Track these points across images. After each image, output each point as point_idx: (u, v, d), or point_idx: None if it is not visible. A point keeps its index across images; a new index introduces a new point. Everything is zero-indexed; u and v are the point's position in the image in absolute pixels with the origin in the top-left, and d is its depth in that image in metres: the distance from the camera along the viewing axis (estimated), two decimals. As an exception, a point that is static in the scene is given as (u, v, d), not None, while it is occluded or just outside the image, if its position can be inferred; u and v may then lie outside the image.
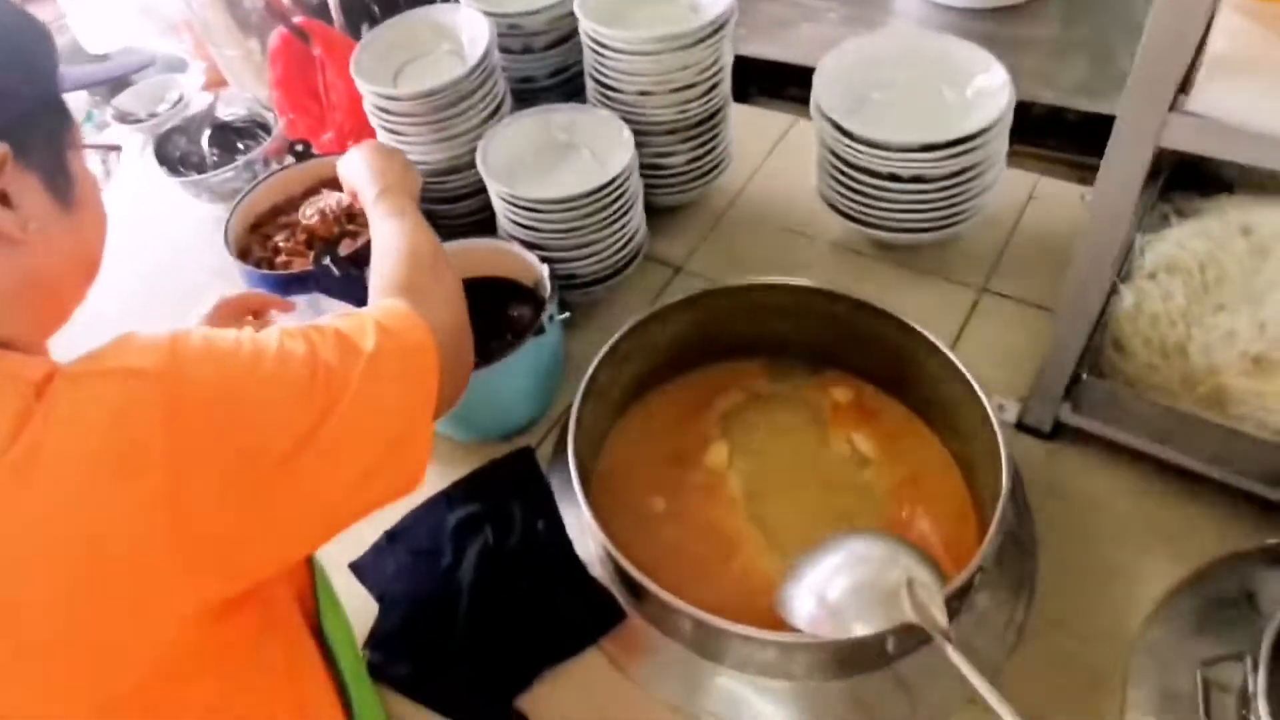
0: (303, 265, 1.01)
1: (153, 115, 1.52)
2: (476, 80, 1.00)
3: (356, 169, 0.89)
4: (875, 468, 0.91)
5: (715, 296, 0.94)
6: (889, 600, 0.69)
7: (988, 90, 0.99)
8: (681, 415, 0.98)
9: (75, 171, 0.57)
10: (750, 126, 1.24)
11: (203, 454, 0.48)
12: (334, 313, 0.64)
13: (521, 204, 0.96)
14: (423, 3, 1.14)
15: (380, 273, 0.73)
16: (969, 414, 0.82)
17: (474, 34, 1.04)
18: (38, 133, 0.53)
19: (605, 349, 0.89)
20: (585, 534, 0.87)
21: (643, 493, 0.92)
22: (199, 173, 1.33)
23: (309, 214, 1.05)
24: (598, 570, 0.85)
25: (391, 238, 0.77)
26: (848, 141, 0.98)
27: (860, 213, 1.04)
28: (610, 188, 0.95)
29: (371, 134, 1.19)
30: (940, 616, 0.67)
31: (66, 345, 0.56)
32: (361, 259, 0.97)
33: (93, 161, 0.62)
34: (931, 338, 0.85)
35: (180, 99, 1.54)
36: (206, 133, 1.35)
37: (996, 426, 0.77)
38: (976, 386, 0.80)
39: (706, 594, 0.80)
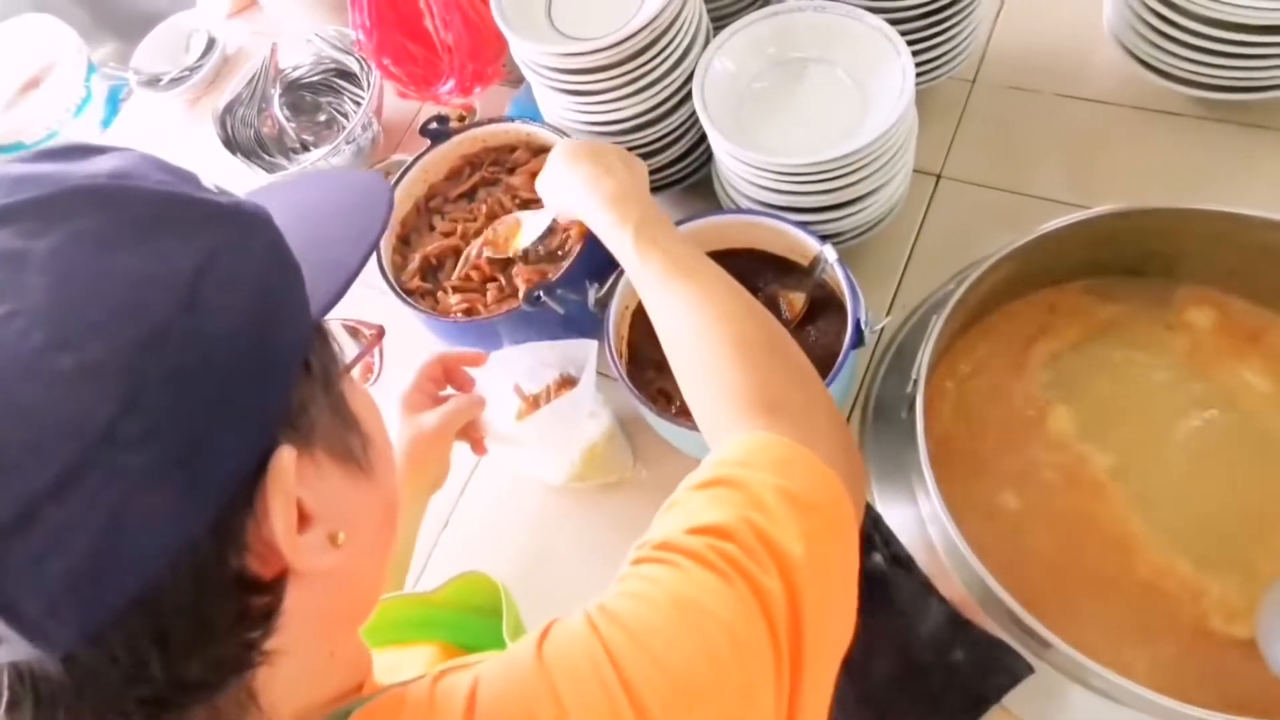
0: (494, 303, 0.81)
1: (188, 71, 1.23)
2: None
3: (574, 190, 0.66)
4: (1277, 411, 0.73)
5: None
6: None
7: None
8: (998, 372, 0.80)
9: (358, 410, 0.38)
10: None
11: None
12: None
13: (775, 170, 0.73)
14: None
15: (708, 379, 0.52)
16: None
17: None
18: (312, 393, 0.34)
19: (934, 343, 0.70)
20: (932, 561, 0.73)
21: (986, 489, 0.76)
22: (281, 153, 1.08)
23: (475, 250, 0.83)
24: (952, 595, 0.72)
25: (696, 315, 0.54)
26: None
27: (1203, 75, 0.78)
28: (894, 130, 0.70)
29: (501, 72, 0.93)
30: None
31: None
32: (575, 278, 0.76)
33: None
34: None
35: (211, 44, 1.24)
36: (276, 97, 1.08)
37: None
38: None
39: (1111, 614, 0.68)
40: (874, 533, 0.75)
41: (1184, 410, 0.75)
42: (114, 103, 1.33)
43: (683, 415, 0.72)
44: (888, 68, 0.72)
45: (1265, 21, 0.71)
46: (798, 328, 0.77)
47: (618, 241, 0.61)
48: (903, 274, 0.85)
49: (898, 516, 0.75)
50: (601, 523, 0.82)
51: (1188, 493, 0.72)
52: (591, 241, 0.78)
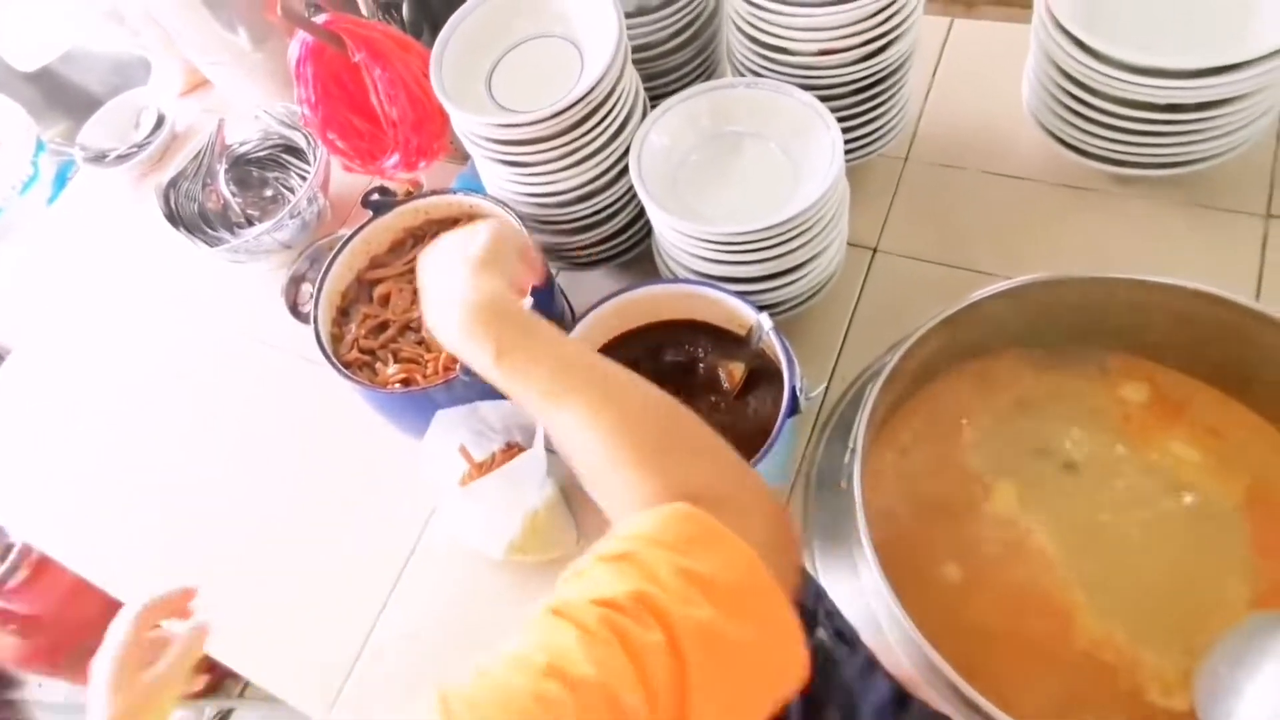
0: (432, 374, 0.80)
1: (135, 148, 1.23)
2: (617, 71, 0.75)
3: (439, 319, 0.56)
4: (1208, 479, 0.74)
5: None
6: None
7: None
8: (937, 442, 0.80)
9: None
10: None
11: None
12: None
13: (710, 239, 0.74)
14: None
15: (624, 498, 0.49)
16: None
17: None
18: None
19: (869, 412, 0.70)
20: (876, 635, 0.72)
21: (928, 560, 0.76)
22: (225, 228, 1.07)
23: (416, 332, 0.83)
24: (896, 670, 0.70)
25: (589, 432, 0.50)
26: (1105, 70, 0.75)
27: (1117, 153, 0.81)
28: (825, 199, 0.72)
29: (447, 147, 0.95)
30: None
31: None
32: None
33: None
34: (1241, 300, 0.67)
35: (161, 121, 1.25)
36: (222, 171, 1.08)
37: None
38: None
39: (1052, 686, 0.68)
40: (817, 607, 0.73)
41: (1119, 480, 0.75)
42: (62, 181, 1.32)
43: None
44: (818, 141, 0.75)
45: (1168, 100, 0.74)
46: (737, 398, 0.77)
47: (487, 375, 0.54)
48: (842, 345, 0.86)
49: (842, 589, 0.74)
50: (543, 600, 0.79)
51: (1124, 563, 0.72)
52: (533, 306, 0.78)
